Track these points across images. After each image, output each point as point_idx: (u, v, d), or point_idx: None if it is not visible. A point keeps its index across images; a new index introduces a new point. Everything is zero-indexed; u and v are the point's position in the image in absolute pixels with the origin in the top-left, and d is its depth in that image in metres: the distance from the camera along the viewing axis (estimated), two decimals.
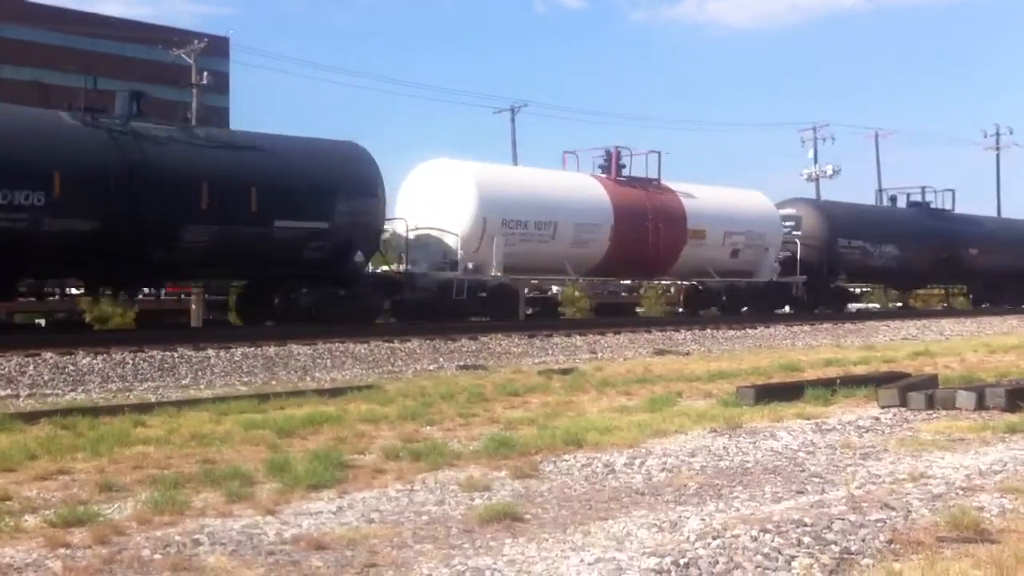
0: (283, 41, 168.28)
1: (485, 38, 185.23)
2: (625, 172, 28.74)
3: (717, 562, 4.92)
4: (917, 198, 39.20)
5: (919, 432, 9.32)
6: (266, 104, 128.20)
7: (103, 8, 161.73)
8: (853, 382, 12.62)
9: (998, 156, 72.33)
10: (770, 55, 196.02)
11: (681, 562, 4.90)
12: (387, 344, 19.08)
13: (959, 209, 39.97)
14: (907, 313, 36.32)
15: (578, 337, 22.10)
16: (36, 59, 72.68)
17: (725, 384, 13.44)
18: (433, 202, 24.23)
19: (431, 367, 17.64)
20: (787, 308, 32.62)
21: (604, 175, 28.30)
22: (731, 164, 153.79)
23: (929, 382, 12.26)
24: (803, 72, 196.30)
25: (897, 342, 24.77)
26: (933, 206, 38.90)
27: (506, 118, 60.37)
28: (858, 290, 41.61)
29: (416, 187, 24.98)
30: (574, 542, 5.43)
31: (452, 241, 23.86)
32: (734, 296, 30.65)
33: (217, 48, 61.96)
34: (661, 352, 20.95)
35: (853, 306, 42.99)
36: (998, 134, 72.42)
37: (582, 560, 5.02)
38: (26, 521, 5.92)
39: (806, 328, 27.47)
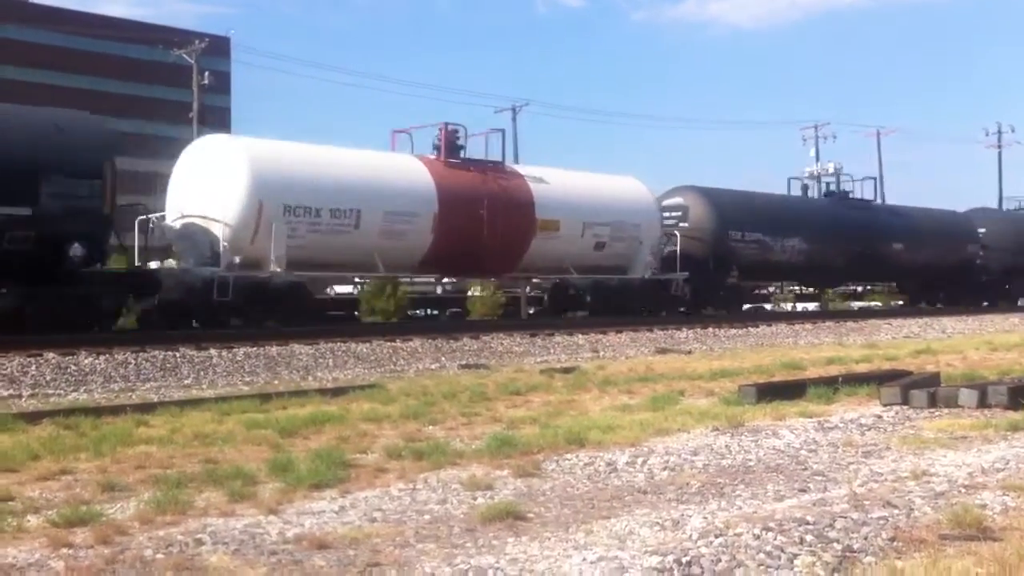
0: (284, 41, 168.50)
1: (486, 37, 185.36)
2: (464, 154, 25.08)
3: (719, 560, 4.92)
4: (840, 187, 36.56)
5: (921, 430, 9.31)
6: (268, 104, 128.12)
7: (104, 8, 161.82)
8: (855, 380, 12.60)
9: (1000, 154, 72.32)
10: (771, 54, 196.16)
11: (683, 560, 4.90)
12: (389, 343, 19.09)
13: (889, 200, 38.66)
14: (909, 311, 35.72)
15: (580, 336, 22.10)
16: (38, 60, 72.80)
17: (727, 382, 13.44)
18: (203, 186, 20.68)
19: (433, 366, 17.65)
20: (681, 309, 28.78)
21: (434, 156, 24.60)
22: (732, 163, 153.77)
23: (931, 380, 12.25)
24: (804, 70, 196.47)
25: (899, 340, 24.77)
26: (853, 196, 36.04)
27: (507, 117, 60.31)
28: (770, 289, 37.80)
29: (187, 169, 21.42)
30: (576, 541, 5.43)
31: (219, 231, 20.17)
32: (602, 295, 26.62)
33: (218, 48, 61.99)
34: (663, 351, 20.94)
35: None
36: (1000, 132, 72.48)
37: (584, 559, 5.02)
38: (28, 521, 5.93)
39: (808, 326, 27.50)
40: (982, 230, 40.07)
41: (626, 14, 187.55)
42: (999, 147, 72.28)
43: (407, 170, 23.50)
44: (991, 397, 10.59)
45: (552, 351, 20.37)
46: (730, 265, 29.72)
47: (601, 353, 20.47)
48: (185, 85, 49.02)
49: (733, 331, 25.14)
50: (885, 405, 10.87)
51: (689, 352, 20.74)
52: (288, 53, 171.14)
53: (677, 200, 29.99)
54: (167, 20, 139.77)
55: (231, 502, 6.38)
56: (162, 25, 72.57)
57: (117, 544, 5.40)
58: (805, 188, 35.76)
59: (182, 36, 54.52)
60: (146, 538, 5.52)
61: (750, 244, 30.26)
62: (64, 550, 5.29)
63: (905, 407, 10.70)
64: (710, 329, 25.06)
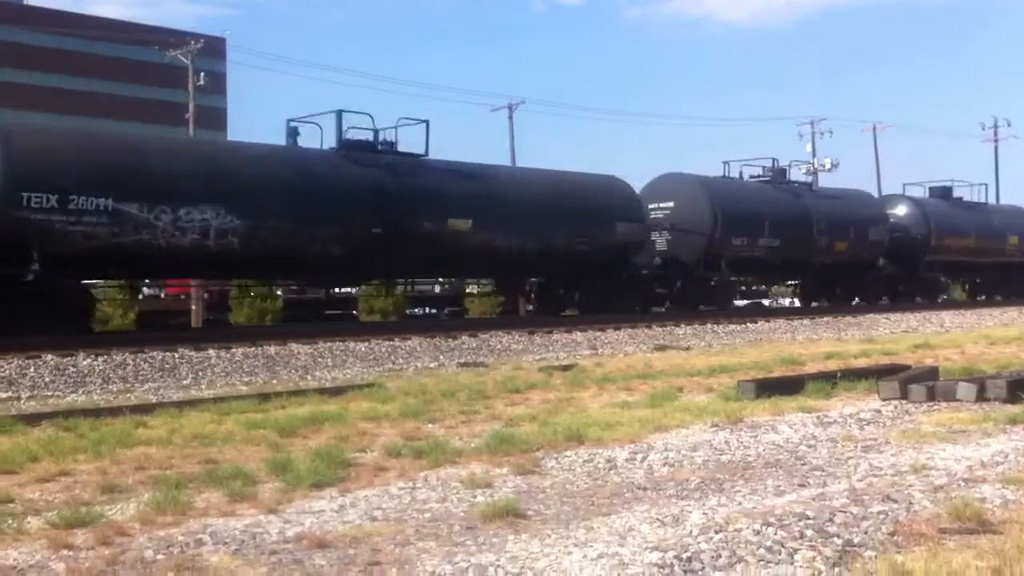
0: (280, 41, 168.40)
1: (482, 36, 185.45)
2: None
3: (720, 556, 4.92)
4: (341, 130, 22.77)
5: (920, 424, 9.32)
6: (264, 104, 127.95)
7: (99, 10, 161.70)
8: (854, 375, 12.61)
9: (996, 148, 72.35)
10: (767, 50, 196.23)
11: (684, 556, 4.90)
12: (388, 342, 19.09)
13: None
14: (907, 306, 35.05)
15: (578, 333, 22.11)
16: (33, 62, 72.70)
17: (726, 378, 13.44)
18: None
19: (432, 364, 17.65)
20: None
21: None
22: (728, 159, 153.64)
23: (930, 374, 12.26)
24: (800, 66, 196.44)
25: (897, 335, 24.78)
26: (395, 147, 23.34)
27: (503, 116, 60.22)
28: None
29: None
30: (577, 538, 5.43)
31: None
32: None
33: (213, 49, 61.89)
34: (661, 347, 20.95)
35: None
36: (996, 126, 72.54)
37: (585, 556, 5.02)
38: (29, 523, 5.92)
39: (806, 322, 27.50)
40: (667, 205, 28.85)
41: (620, 11, 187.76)
42: (995, 141, 72.42)
43: None
44: (990, 391, 10.60)
45: (551, 349, 20.38)
46: (28, 250, 17.79)
47: (600, 350, 20.47)
48: (181, 86, 48.96)
49: (731, 327, 25.17)
50: (884, 399, 10.88)
51: (687, 348, 20.74)
52: (283, 53, 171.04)
53: None
54: (163, 21, 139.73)
55: (231, 502, 6.38)
56: (157, 26, 72.55)
57: (117, 545, 5.40)
58: (294, 133, 22.92)
59: (177, 37, 54.47)
60: (146, 539, 5.52)
61: (84, 218, 18.32)
62: (64, 551, 5.29)
63: (904, 401, 10.71)
64: (708, 325, 25.09)
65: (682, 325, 24.76)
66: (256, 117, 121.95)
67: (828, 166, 65.24)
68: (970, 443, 8.20)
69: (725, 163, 32.40)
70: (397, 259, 22.80)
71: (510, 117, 59.54)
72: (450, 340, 19.96)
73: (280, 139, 22.72)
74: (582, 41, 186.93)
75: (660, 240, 28.74)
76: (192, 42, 48.80)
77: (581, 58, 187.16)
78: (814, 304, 34.09)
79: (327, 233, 21.38)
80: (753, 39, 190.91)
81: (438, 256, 23.51)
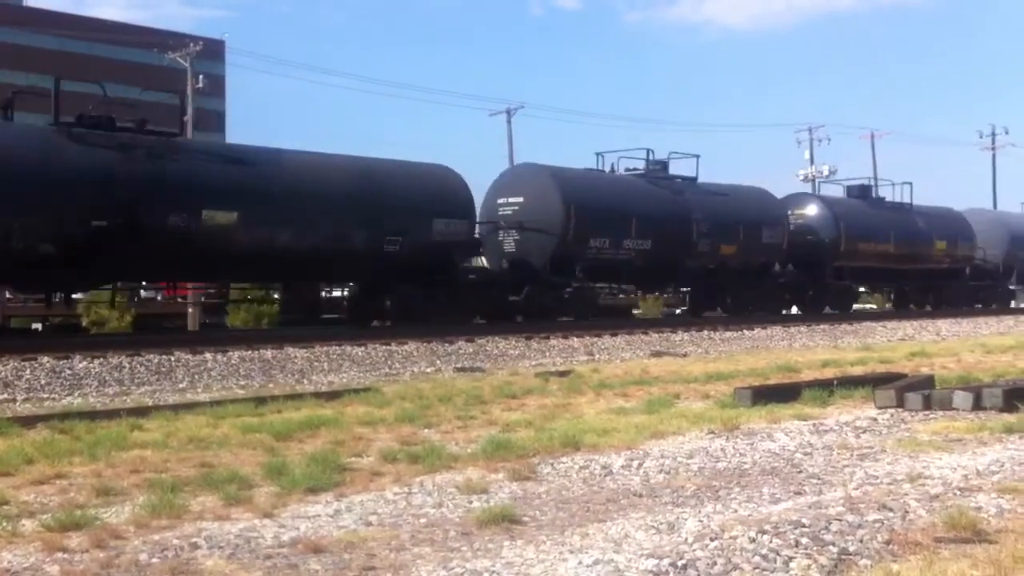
0: (279, 43, 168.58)
1: (481, 39, 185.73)
2: None
3: (715, 563, 4.92)
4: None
5: (916, 433, 9.32)
6: (262, 107, 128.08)
7: (99, 12, 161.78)
8: (850, 383, 12.61)
9: (994, 156, 72.65)
10: (766, 56, 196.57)
11: (679, 564, 4.90)
12: (384, 347, 19.07)
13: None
14: (902, 314, 34.92)
15: (575, 339, 22.11)
16: (32, 64, 72.72)
17: (722, 385, 13.44)
18: None
19: (428, 369, 17.64)
20: None
21: None
22: (727, 165, 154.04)
23: (926, 383, 12.26)
24: (799, 73, 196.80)
25: (894, 343, 24.79)
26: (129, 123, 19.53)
27: (501, 120, 60.26)
28: None
29: None
30: (572, 544, 5.42)
31: None
32: None
33: (212, 51, 61.97)
34: (658, 354, 20.95)
35: None
36: (994, 134, 72.88)
37: (580, 562, 5.02)
38: (23, 525, 5.91)
39: (803, 329, 27.52)
40: (517, 200, 25.62)
41: (621, 16, 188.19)
42: (993, 149, 72.69)
43: None
44: (986, 399, 10.60)
45: (547, 354, 20.37)
46: None
47: (596, 356, 20.47)
48: (179, 89, 49.00)
49: (728, 334, 25.18)
50: (880, 408, 10.89)
51: (684, 355, 20.75)
52: (282, 55, 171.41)
53: None
54: (161, 23, 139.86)
55: (226, 506, 6.38)
56: (156, 28, 72.62)
57: (112, 548, 5.39)
58: (7, 105, 19.19)
59: (176, 39, 54.55)
60: (141, 542, 5.51)
61: None
62: (59, 554, 5.28)
63: (900, 410, 10.72)
64: (705, 332, 25.10)
65: (679, 331, 24.77)
66: (255, 120, 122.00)
67: (826, 173, 65.42)
68: (966, 452, 8.20)
69: (598, 154, 28.07)
70: (132, 259, 18.77)
71: (508, 121, 59.68)
72: (447, 345, 19.95)
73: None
74: (581, 46, 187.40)
75: (508, 241, 25.59)
76: (191, 44, 48.92)
77: (580, 63, 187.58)
78: (707, 314, 29.84)
79: (31, 227, 17.26)
80: (752, 43, 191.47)
81: (191, 256, 19.28)
